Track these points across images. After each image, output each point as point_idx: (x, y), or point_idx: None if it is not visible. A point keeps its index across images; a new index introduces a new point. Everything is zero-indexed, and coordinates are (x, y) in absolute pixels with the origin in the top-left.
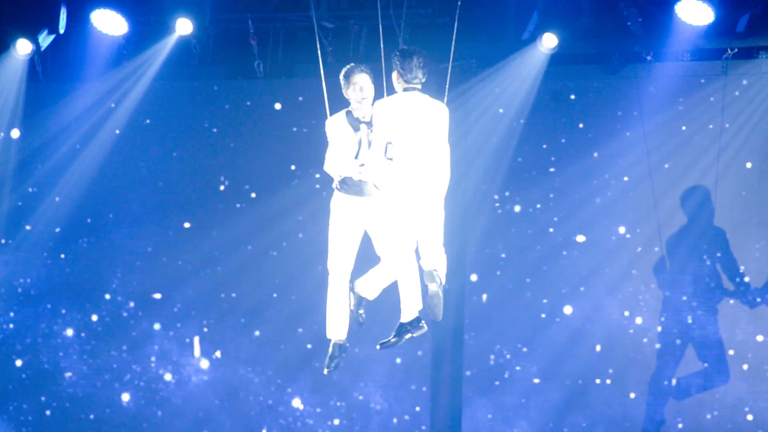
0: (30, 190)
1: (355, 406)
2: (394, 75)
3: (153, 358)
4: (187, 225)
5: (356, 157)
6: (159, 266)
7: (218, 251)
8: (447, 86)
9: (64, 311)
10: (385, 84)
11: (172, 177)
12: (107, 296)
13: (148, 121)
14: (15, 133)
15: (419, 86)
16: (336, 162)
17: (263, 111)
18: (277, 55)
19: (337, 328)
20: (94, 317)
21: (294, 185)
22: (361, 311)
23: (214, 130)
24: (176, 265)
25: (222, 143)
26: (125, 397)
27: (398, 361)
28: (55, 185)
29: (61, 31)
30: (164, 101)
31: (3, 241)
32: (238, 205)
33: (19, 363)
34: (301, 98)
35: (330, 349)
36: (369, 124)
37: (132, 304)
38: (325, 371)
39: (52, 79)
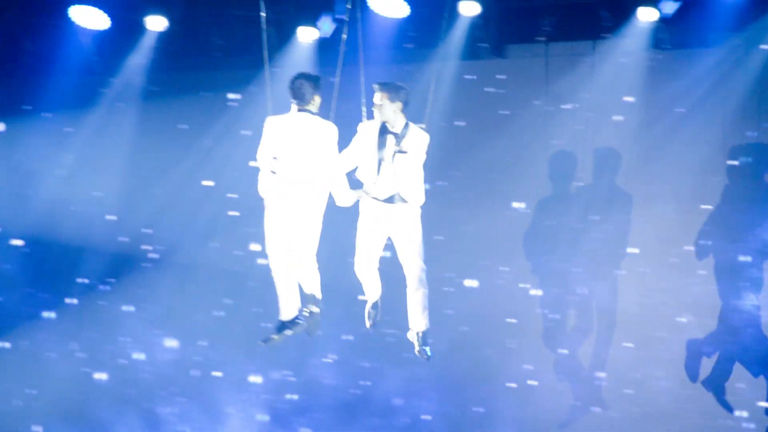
0: None
1: None
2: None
3: None
4: None
5: (379, 168)
6: None
7: None
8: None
9: None
10: None
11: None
12: None
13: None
14: None
15: (312, 108)
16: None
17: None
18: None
19: (372, 291)
20: None
21: None
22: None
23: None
24: None
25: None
26: None
27: None
28: None
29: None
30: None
31: None
32: None
33: None
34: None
35: (368, 308)
36: (398, 135)
37: None
38: (368, 324)
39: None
